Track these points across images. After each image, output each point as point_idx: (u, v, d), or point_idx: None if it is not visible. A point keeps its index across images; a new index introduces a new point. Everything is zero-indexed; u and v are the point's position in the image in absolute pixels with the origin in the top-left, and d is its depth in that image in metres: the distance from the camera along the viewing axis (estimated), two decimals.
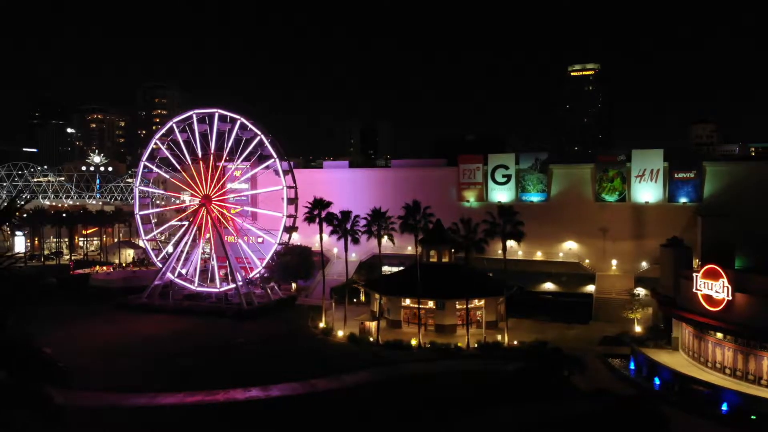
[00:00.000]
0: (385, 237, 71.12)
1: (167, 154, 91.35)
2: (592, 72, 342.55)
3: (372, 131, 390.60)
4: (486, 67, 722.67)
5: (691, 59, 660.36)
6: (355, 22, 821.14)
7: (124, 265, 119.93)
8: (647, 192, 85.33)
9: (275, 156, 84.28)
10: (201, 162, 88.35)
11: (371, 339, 67.62)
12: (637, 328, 70.37)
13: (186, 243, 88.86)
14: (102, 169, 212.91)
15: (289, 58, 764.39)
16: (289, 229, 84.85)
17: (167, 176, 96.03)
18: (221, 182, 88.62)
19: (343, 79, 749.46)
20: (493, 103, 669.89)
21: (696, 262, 69.13)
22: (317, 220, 72.74)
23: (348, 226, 70.99)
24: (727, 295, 52.53)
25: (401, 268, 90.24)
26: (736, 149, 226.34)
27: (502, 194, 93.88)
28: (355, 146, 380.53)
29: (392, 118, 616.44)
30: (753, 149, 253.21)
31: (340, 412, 47.55)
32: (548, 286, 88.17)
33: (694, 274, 56.28)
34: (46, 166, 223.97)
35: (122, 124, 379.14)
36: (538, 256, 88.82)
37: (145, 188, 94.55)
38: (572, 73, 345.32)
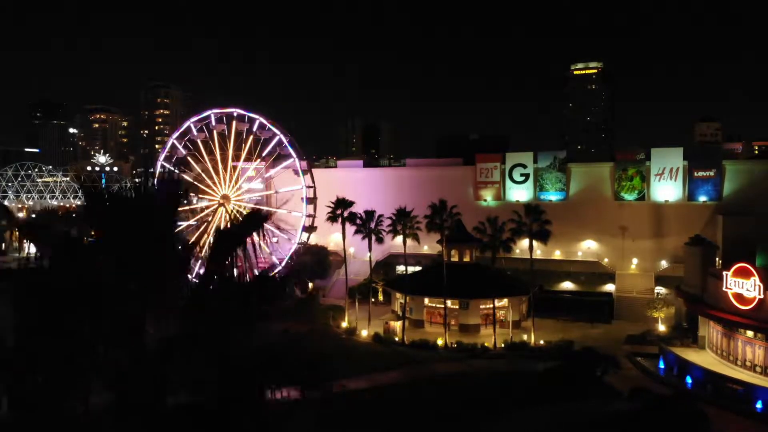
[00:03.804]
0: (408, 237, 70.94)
1: (184, 153, 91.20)
2: (595, 71, 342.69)
3: (374, 131, 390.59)
4: (488, 67, 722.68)
5: (693, 58, 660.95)
6: (355, 23, 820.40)
7: None
8: (667, 190, 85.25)
9: (294, 156, 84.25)
10: (219, 162, 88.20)
11: (396, 339, 67.52)
12: (661, 327, 70.43)
13: (204, 243, 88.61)
14: (107, 169, 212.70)
15: (289, 58, 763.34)
16: (309, 229, 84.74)
17: (186, 177, 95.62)
18: (240, 182, 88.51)
19: (344, 78, 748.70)
20: (496, 102, 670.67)
21: (717, 262, 69.15)
22: (340, 220, 72.60)
23: (372, 225, 70.81)
24: (759, 294, 52.49)
25: (418, 267, 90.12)
26: (740, 147, 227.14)
27: (520, 193, 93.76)
28: (357, 145, 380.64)
29: (393, 117, 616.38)
30: (756, 148, 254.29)
31: (374, 412, 47.40)
32: (567, 285, 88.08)
33: (724, 273, 56.21)
34: (51, 166, 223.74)
35: (125, 123, 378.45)
36: (557, 255, 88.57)
37: None
38: (575, 72, 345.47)
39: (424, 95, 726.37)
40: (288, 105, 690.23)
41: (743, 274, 53.97)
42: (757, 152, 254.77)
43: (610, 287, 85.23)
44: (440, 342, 64.97)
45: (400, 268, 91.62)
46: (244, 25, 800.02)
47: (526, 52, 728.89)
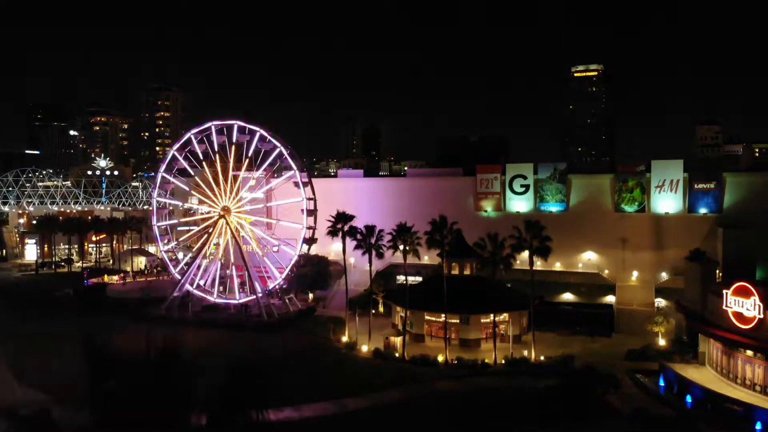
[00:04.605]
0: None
1: (185, 164, 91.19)
2: (595, 73, 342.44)
3: (374, 132, 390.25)
4: (488, 67, 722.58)
5: (695, 59, 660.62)
6: (356, 24, 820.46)
7: (134, 271, 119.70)
8: (667, 202, 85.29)
9: (295, 168, 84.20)
10: (219, 173, 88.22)
11: (397, 354, 67.46)
12: (661, 341, 70.35)
13: (205, 254, 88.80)
14: (108, 173, 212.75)
15: (290, 58, 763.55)
16: (309, 241, 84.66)
17: (186, 188, 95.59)
18: (240, 194, 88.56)
19: (345, 79, 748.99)
20: (496, 103, 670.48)
21: (718, 275, 69.13)
22: (340, 234, 72.56)
23: (372, 240, 70.75)
24: (759, 313, 52.47)
25: (418, 278, 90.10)
26: (740, 150, 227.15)
27: (520, 204, 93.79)
28: (357, 147, 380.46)
29: (393, 119, 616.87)
30: (757, 150, 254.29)
31: None
32: (567, 296, 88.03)
33: (724, 291, 56.15)
34: (50, 170, 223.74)
35: (125, 126, 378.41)
36: (557, 266, 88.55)
37: (163, 199, 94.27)
38: (575, 74, 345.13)
39: (424, 95, 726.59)
40: (288, 104, 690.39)
41: (743, 293, 53.95)
42: (757, 154, 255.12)
43: (610, 299, 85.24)
44: (441, 358, 64.85)
45: (401, 278, 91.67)
46: (244, 25, 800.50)
47: (526, 53, 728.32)
